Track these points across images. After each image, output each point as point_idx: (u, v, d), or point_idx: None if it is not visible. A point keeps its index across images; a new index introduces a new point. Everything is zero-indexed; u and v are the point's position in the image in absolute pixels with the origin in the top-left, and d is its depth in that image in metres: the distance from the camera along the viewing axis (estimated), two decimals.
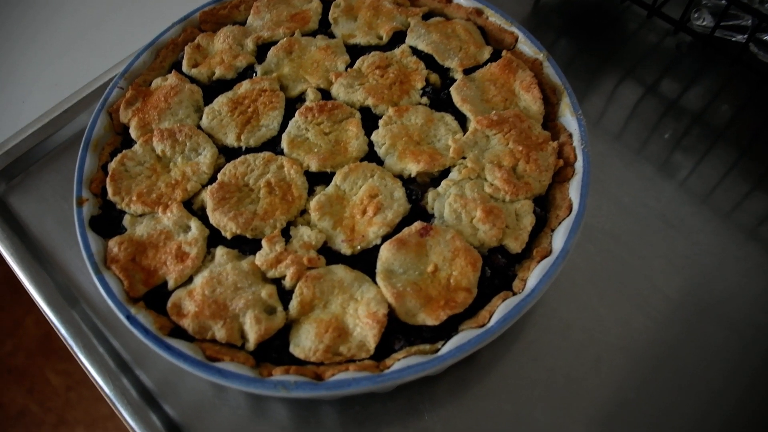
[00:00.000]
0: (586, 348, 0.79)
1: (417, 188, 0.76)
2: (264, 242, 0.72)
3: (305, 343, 0.67)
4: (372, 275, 0.70)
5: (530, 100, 0.81)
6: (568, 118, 0.80)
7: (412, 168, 0.76)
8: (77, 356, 0.82)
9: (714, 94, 1.05)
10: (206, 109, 0.84)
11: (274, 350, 0.68)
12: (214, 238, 0.74)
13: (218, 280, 0.70)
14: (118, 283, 0.71)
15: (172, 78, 0.86)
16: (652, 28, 1.15)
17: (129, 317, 0.68)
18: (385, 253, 0.70)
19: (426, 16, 0.92)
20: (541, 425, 0.74)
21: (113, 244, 0.74)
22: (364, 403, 0.76)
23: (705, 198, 0.93)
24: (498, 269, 0.72)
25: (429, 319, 0.67)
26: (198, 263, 0.72)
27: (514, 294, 0.69)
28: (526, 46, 0.86)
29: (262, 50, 0.90)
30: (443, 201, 0.75)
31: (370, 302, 0.68)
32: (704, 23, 1.07)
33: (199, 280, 0.71)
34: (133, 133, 0.83)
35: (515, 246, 0.72)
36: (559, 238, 0.71)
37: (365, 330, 0.66)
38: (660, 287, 0.84)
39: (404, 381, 0.64)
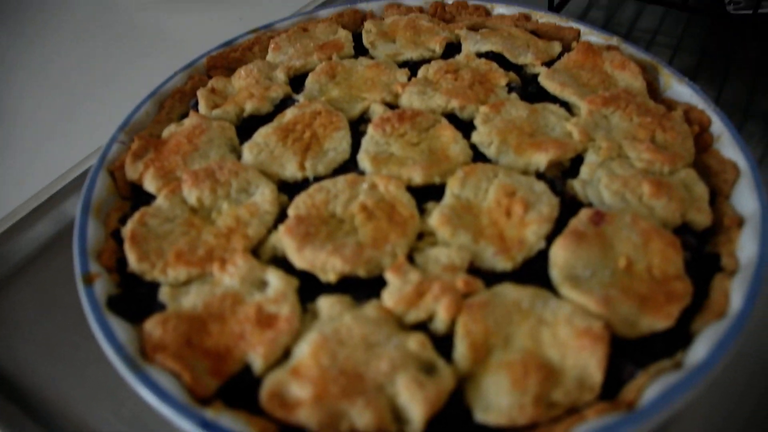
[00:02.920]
0: None
1: (554, 179, 0.59)
2: (389, 274, 0.50)
3: (500, 401, 0.43)
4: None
5: (629, 77, 0.70)
6: (677, 89, 0.69)
7: (540, 159, 0.60)
8: None
9: None
10: (246, 146, 0.64)
11: (451, 427, 0.43)
12: (304, 291, 0.51)
13: (338, 341, 0.46)
14: (172, 380, 0.44)
15: (191, 118, 0.66)
16: None
17: (206, 426, 0.41)
18: (561, 253, 0.51)
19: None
20: None
21: (152, 326, 0.48)
22: None
23: None
24: (692, 252, 0.54)
25: (658, 321, 0.47)
26: (296, 324, 0.48)
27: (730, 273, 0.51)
28: (593, 36, 0.77)
29: (294, 82, 0.74)
30: (596, 186, 0.58)
31: (571, 319, 0.46)
32: None
33: (304, 348, 0.46)
34: (150, 185, 0.60)
35: (702, 218, 0.56)
36: (746, 199, 0.56)
37: (581, 358, 0.44)
38: None
39: (670, 415, 0.42)
